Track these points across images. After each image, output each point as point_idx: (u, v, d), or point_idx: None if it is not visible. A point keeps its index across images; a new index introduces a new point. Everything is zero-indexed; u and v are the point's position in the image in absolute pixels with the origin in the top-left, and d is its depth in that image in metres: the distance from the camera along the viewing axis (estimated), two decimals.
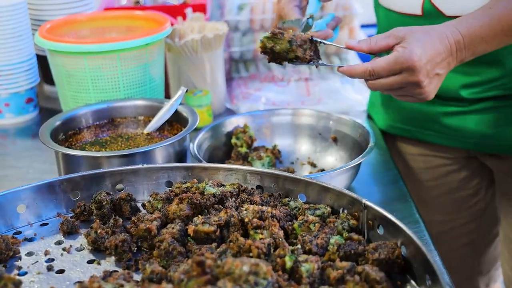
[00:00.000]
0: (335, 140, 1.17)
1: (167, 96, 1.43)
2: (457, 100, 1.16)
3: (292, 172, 1.10)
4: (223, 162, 1.14)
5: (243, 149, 1.14)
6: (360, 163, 1.02)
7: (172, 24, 1.38)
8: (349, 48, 0.93)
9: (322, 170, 1.15)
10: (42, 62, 1.49)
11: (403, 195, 1.06)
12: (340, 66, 0.93)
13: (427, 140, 1.25)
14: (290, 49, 0.92)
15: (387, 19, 1.18)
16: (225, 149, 1.16)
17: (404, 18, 1.12)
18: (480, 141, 1.18)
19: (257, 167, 1.12)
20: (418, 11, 1.10)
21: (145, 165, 0.93)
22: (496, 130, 1.15)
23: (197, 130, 1.13)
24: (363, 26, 1.84)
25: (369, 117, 1.39)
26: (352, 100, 1.44)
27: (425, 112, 1.21)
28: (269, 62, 0.96)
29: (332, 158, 1.16)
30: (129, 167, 0.93)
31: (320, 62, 0.95)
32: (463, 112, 1.17)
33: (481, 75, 1.12)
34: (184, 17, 1.49)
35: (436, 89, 0.92)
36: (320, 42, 0.95)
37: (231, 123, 1.18)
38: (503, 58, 1.09)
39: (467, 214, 1.34)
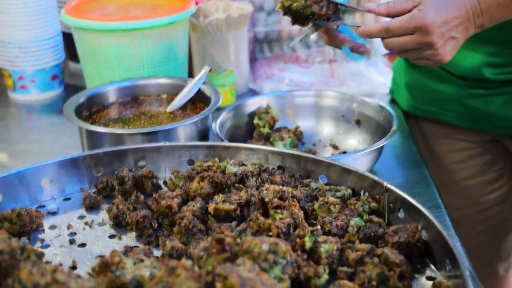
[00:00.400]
0: (358, 122, 1.16)
1: (191, 75, 1.43)
2: (481, 81, 1.15)
3: (314, 153, 1.10)
4: (245, 142, 1.14)
5: (265, 130, 1.14)
6: (382, 146, 1.01)
7: (197, 3, 1.38)
8: (368, 11, 0.96)
9: (344, 152, 1.14)
10: (68, 39, 1.50)
11: (425, 179, 1.06)
12: (358, 27, 0.96)
13: (451, 122, 1.24)
14: (306, 5, 0.93)
15: None
16: (247, 129, 1.16)
17: None
18: (504, 124, 1.17)
19: (279, 147, 1.12)
20: None
21: (167, 143, 0.94)
22: None
23: (220, 109, 1.13)
24: None
25: (392, 100, 1.38)
26: (376, 83, 1.43)
27: (449, 93, 1.20)
28: (292, 24, 0.97)
29: (354, 140, 1.15)
30: (152, 144, 0.94)
31: (339, 22, 0.97)
32: (487, 95, 1.16)
33: (504, 56, 1.10)
34: None
35: (452, 52, 0.94)
36: (338, 3, 0.95)
37: (254, 103, 1.17)
38: None
39: (490, 199, 1.33)
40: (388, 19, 0.95)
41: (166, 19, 1.19)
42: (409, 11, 0.93)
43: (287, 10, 0.95)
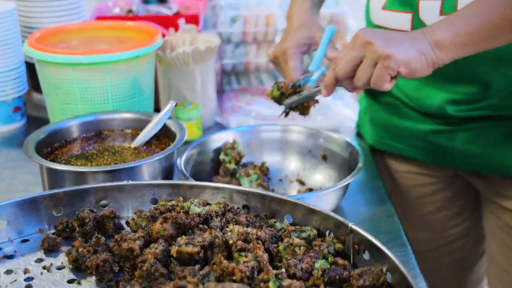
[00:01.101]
0: (324, 158, 1.16)
1: (157, 107, 1.42)
2: (445, 118, 1.16)
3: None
4: (210, 178, 1.13)
5: (231, 165, 1.13)
6: (348, 184, 1.01)
7: (164, 36, 1.37)
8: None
9: (311, 189, 1.14)
10: (32, 69, 1.47)
11: (391, 215, 1.06)
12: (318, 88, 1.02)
13: (415, 158, 1.25)
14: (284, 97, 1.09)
15: None
16: (213, 164, 1.15)
17: None
18: (468, 160, 1.18)
19: (245, 184, 1.11)
20: (407, 27, 1.10)
21: (130, 182, 0.92)
22: (484, 150, 1.15)
23: (187, 143, 1.11)
24: None
25: (359, 134, 1.39)
26: (342, 116, 1.43)
27: (413, 129, 1.21)
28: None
29: (321, 176, 1.15)
30: (114, 183, 0.91)
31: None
32: (451, 131, 1.17)
33: (467, 94, 1.12)
34: (177, 28, 1.48)
35: (397, 48, 0.89)
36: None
37: (220, 138, 1.16)
38: (489, 78, 1.09)
39: (453, 233, 1.34)
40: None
41: (131, 53, 1.18)
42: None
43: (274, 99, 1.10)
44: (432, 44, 0.91)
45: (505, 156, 1.14)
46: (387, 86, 0.91)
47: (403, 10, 1.10)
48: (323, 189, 0.99)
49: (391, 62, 0.89)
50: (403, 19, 1.10)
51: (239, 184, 1.11)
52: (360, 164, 1.02)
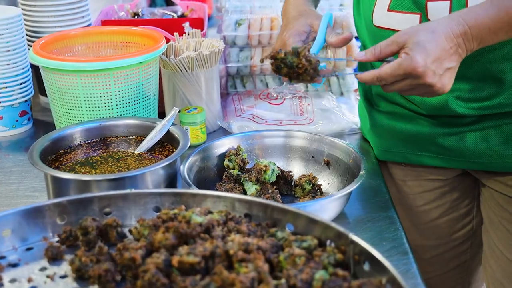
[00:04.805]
0: (327, 163, 1.16)
1: (162, 111, 1.42)
2: (452, 118, 1.15)
3: None
4: (214, 184, 1.13)
5: (235, 172, 1.13)
6: (351, 191, 1.01)
7: (168, 41, 1.38)
8: (357, 60, 0.99)
9: (314, 195, 1.14)
10: (39, 73, 1.48)
11: (394, 223, 1.06)
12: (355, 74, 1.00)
13: (422, 163, 1.24)
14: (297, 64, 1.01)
15: (383, 38, 1.17)
16: (216, 170, 1.16)
17: None
18: (479, 160, 1.16)
19: (249, 189, 1.11)
20: None
21: (133, 190, 0.92)
22: (496, 149, 1.14)
23: (191, 147, 1.12)
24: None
25: (364, 138, 1.38)
26: (346, 121, 1.43)
27: (420, 133, 1.19)
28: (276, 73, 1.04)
29: (324, 182, 1.15)
30: (118, 192, 0.92)
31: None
32: (461, 132, 1.15)
33: (478, 91, 1.11)
34: (181, 32, 1.49)
35: (450, 81, 0.95)
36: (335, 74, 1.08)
37: (224, 144, 1.17)
38: (502, 74, 1.08)
39: (460, 236, 1.34)
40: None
41: (135, 59, 1.19)
42: (397, 52, 0.94)
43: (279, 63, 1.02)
44: (468, 52, 0.96)
45: None
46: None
47: (410, 11, 1.08)
48: (326, 197, 0.99)
49: (442, 94, 0.96)
50: (411, 21, 1.08)
51: (243, 190, 1.12)
52: (362, 172, 1.02)
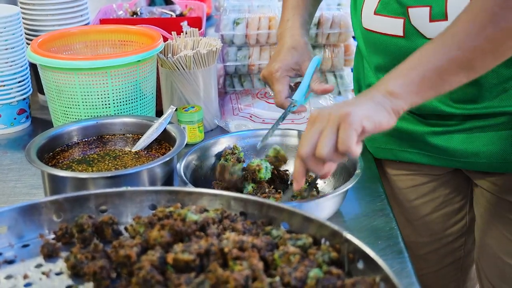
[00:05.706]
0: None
1: (159, 110, 1.43)
2: (441, 118, 1.16)
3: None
4: (210, 183, 1.14)
5: None
6: (347, 190, 1.01)
7: (166, 40, 1.38)
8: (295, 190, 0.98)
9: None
10: (37, 71, 1.49)
11: (389, 221, 1.06)
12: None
13: (413, 160, 1.25)
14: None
15: (372, 40, 1.18)
16: (213, 169, 1.16)
17: (387, 38, 1.13)
18: (466, 160, 1.18)
19: (245, 187, 1.11)
20: (400, 32, 1.10)
21: (129, 188, 0.93)
22: (484, 149, 1.15)
23: (188, 145, 1.12)
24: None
25: None
26: None
27: (410, 131, 1.21)
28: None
29: (321, 181, 1.15)
30: (114, 189, 0.92)
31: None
32: (449, 132, 1.17)
33: (461, 91, 1.10)
34: (179, 31, 1.49)
35: (353, 106, 0.89)
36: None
37: (220, 143, 1.17)
38: (478, 78, 1.08)
39: (454, 231, 1.34)
40: None
41: (132, 57, 1.19)
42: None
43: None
44: (386, 94, 0.90)
45: (506, 153, 1.13)
46: (356, 149, 0.88)
47: (395, 15, 1.10)
48: (321, 196, 0.99)
49: (353, 118, 0.86)
50: (395, 25, 1.11)
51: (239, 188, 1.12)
52: (358, 171, 1.03)
